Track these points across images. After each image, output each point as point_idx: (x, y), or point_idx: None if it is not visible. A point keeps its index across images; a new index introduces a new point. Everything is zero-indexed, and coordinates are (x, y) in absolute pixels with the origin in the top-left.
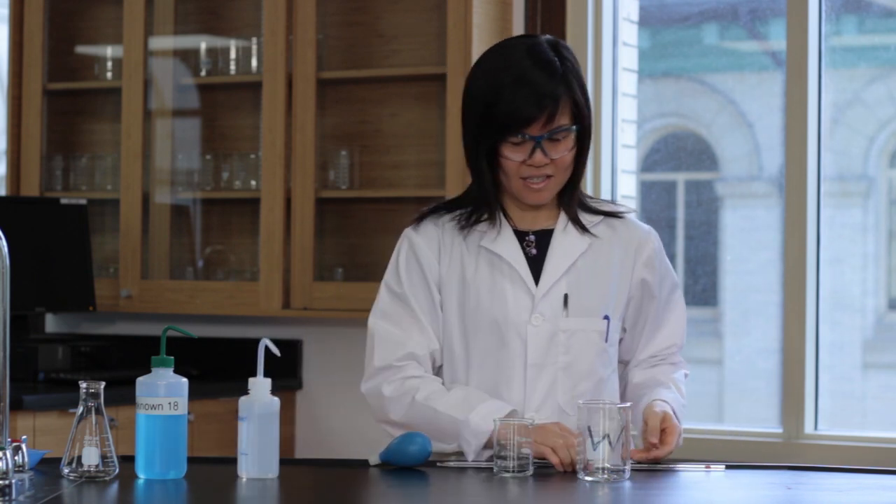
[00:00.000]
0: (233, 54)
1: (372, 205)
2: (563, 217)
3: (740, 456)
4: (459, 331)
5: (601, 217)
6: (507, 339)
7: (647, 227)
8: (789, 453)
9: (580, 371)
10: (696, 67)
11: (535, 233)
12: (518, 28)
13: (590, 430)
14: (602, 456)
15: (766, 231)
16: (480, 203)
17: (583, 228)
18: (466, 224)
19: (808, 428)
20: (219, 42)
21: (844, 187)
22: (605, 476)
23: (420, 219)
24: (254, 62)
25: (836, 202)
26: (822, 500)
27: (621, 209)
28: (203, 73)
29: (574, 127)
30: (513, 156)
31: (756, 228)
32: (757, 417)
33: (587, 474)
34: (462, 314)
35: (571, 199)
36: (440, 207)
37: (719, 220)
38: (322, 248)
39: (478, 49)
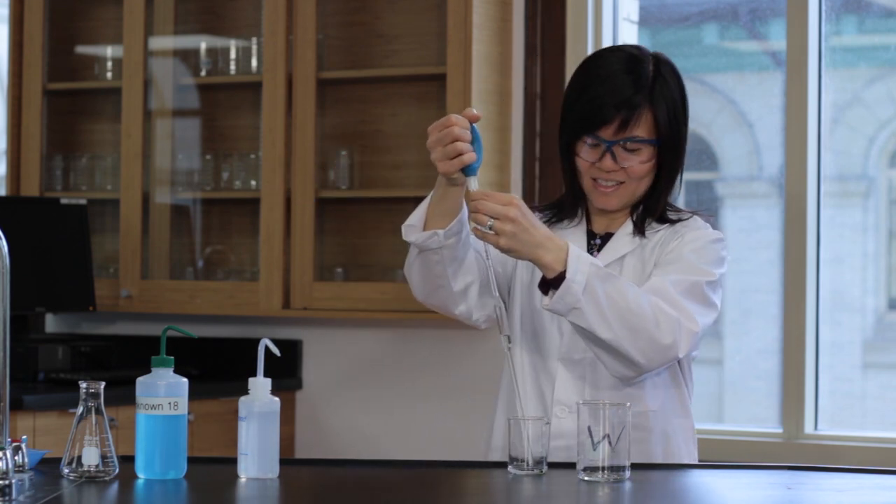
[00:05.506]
0: (233, 54)
1: (372, 205)
2: (629, 222)
3: (740, 456)
4: (519, 310)
5: (667, 225)
6: (547, 327)
7: (702, 222)
8: (789, 453)
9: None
10: (696, 67)
11: (602, 236)
12: (518, 28)
13: (590, 430)
14: (602, 456)
15: (766, 231)
16: (568, 204)
17: (640, 233)
18: (551, 220)
19: (808, 428)
20: (219, 42)
21: (844, 187)
22: (605, 476)
23: None
24: (254, 62)
25: (836, 202)
26: (822, 500)
27: (685, 216)
28: (203, 73)
29: (652, 141)
30: (584, 155)
31: (756, 228)
32: (757, 417)
33: (587, 474)
34: (522, 297)
35: (638, 208)
36: (536, 207)
37: (719, 220)
38: (322, 248)
39: (478, 49)
